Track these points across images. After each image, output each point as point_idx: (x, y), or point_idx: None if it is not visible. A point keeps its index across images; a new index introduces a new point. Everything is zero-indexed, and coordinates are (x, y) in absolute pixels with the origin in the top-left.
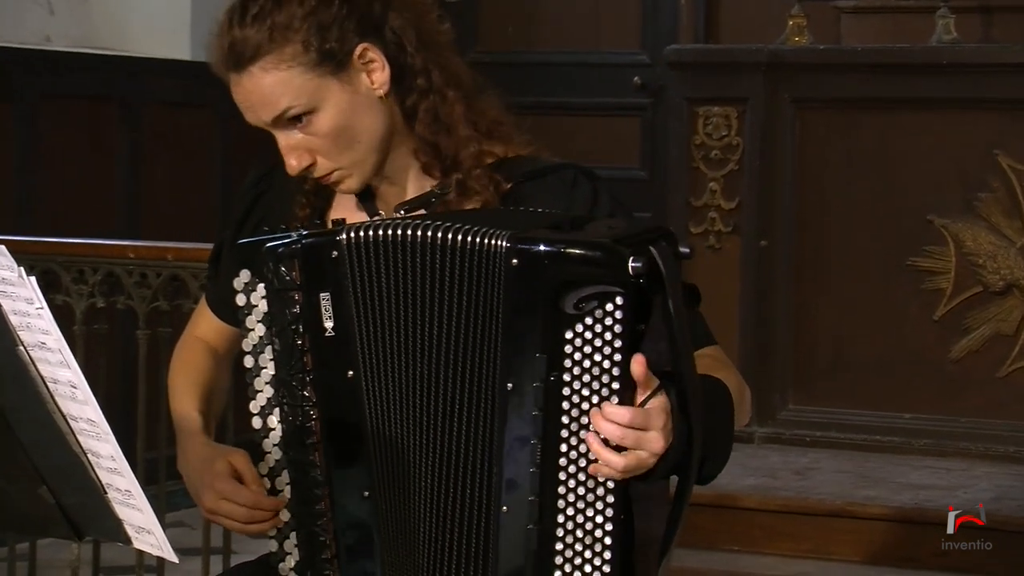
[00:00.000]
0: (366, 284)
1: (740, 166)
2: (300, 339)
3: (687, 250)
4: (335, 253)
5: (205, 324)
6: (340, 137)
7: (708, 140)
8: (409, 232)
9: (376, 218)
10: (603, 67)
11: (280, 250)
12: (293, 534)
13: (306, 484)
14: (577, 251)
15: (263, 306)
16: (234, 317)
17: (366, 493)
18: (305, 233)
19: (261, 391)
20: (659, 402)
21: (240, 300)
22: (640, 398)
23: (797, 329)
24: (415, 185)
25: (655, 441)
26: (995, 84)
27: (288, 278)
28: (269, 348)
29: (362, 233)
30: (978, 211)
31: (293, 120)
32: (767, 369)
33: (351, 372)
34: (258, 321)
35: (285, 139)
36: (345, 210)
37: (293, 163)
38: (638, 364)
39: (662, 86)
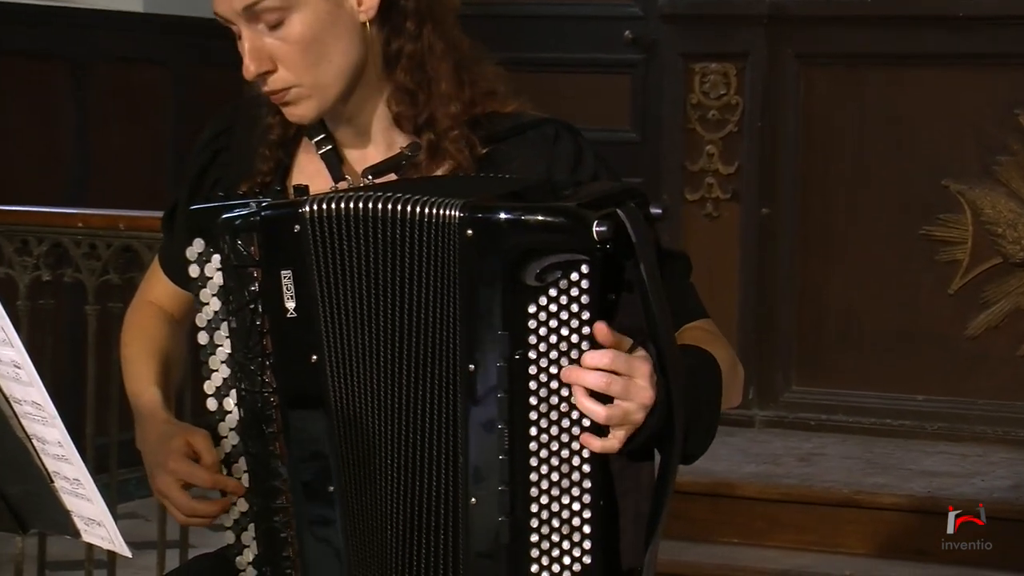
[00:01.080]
0: (330, 261)
1: (740, 128)
2: (259, 319)
3: (659, 210)
4: (297, 227)
5: (160, 288)
6: (309, 49)
7: (705, 99)
8: (371, 205)
9: (340, 187)
10: (591, 20)
11: (238, 223)
12: (252, 526)
13: (265, 476)
14: (536, 218)
15: (218, 279)
16: (187, 277)
17: (331, 488)
18: (265, 203)
19: (216, 371)
20: (640, 354)
21: (194, 271)
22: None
23: (802, 304)
24: (383, 139)
25: (643, 390)
26: (1015, 38)
27: (246, 253)
28: (225, 325)
29: (325, 206)
30: (997, 176)
31: (265, 17)
32: (769, 347)
33: (314, 356)
34: (213, 295)
35: (251, 39)
36: (309, 174)
37: (251, 67)
38: (600, 329)
39: (655, 41)
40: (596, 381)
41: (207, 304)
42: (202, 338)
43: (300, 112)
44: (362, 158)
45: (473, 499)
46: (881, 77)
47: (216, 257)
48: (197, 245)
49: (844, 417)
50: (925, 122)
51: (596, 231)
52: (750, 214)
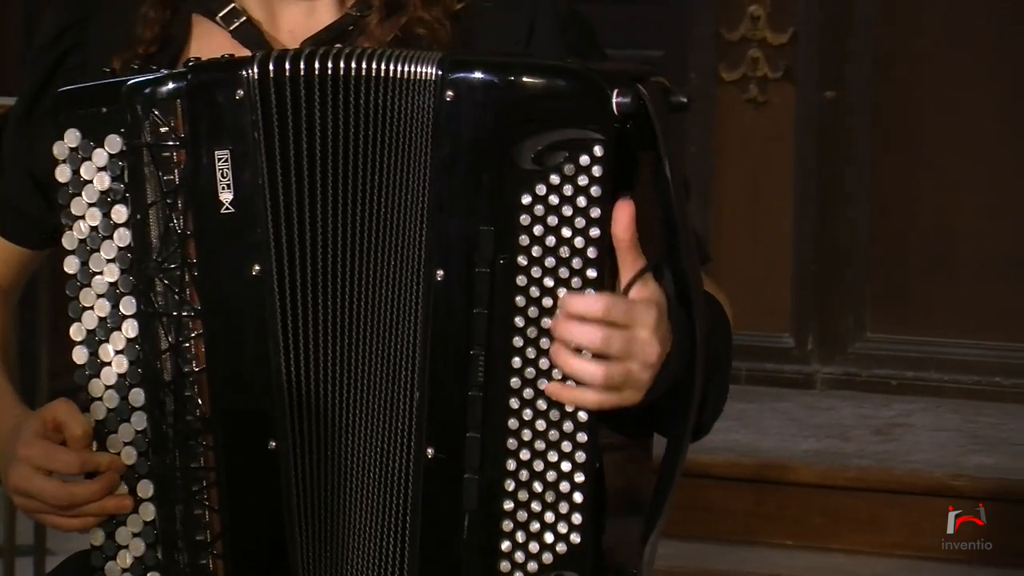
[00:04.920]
0: (278, 138)
1: None
2: (178, 218)
3: (683, 99)
4: (239, 93)
5: None
6: None
7: None
8: (330, 64)
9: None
10: None
11: (159, 88)
12: (137, 517)
13: (175, 436)
14: (538, 79)
15: (102, 181)
16: (23, 228)
17: (272, 443)
18: (190, 65)
19: (91, 307)
20: (648, 290)
21: (63, 173)
22: (623, 281)
23: (878, 221)
24: (322, 3)
25: (648, 345)
26: None
27: (166, 129)
28: (109, 244)
29: (274, 66)
30: None
31: None
32: (834, 280)
33: (256, 267)
34: (91, 204)
35: None
36: (216, 47)
37: None
38: (622, 223)
39: None
40: (589, 337)
41: (81, 218)
42: (71, 264)
43: None
44: (302, 28)
45: (430, 450)
46: None
47: (99, 152)
48: (71, 138)
49: (936, 374)
50: None
51: (616, 102)
52: (809, 100)
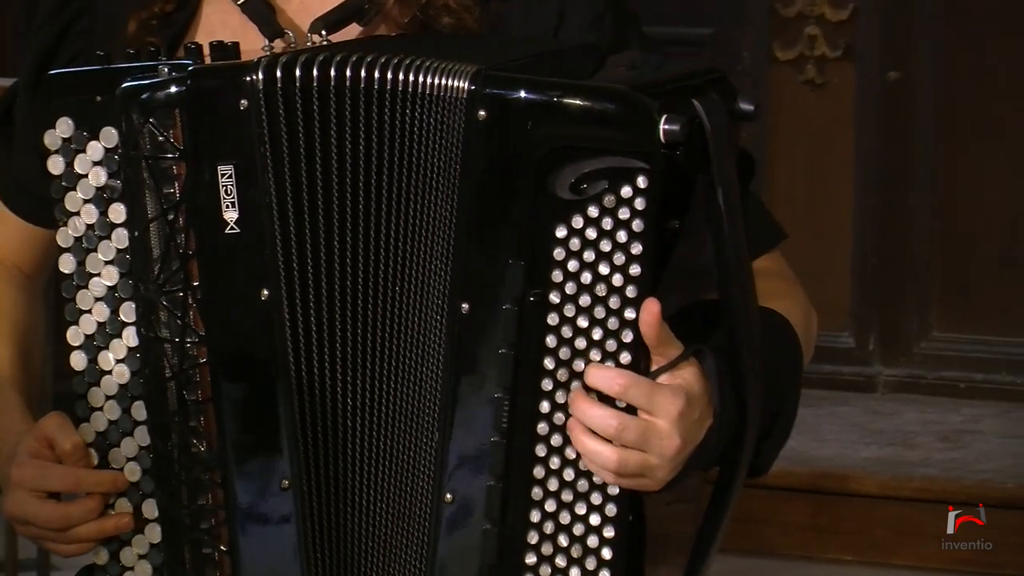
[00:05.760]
0: (288, 153)
1: None
2: (180, 236)
3: (750, 107)
4: (244, 103)
5: (1, 233)
6: None
7: None
8: (349, 72)
9: (277, 46)
10: None
11: (152, 95)
12: (142, 538)
13: (180, 467)
14: (579, 101)
15: (97, 176)
16: (37, 207)
17: (285, 483)
18: (187, 66)
19: (88, 311)
20: (679, 375)
21: (55, 165)
22: (657, 362)
23: (945, 212)
24: None
25: (666, 438)
26: None
27: (163, 139)
28: (106, 245)
29: (282, 72)
30: None
31: None
32: (898, 275)
33: (265, 291)
34: (87, 200)
35: None
36: (222, 36)
37: None
38: (649, 322)
39: None
40: (604, 422)
41: (76, 214)
42: (66, 263)
43: None
44: (303, 6)
45: (448, 495)
46: None
47: (94, 145)
48: (63, 127)
49: (1008, 377)
50: None
51: (664, 129)
52: (871, 80)
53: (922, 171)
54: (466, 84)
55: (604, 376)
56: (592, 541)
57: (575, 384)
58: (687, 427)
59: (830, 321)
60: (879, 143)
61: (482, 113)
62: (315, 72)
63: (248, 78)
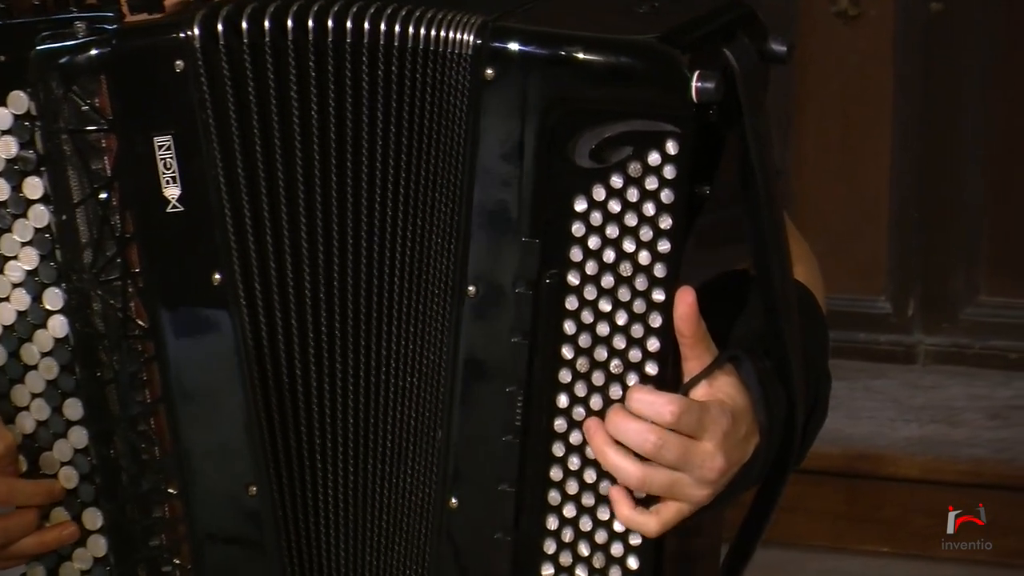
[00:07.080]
0: (236, 119)
1: None
2: (115, 218)
3: (783, 47)
4: (180, 64)
5: None
6: None
7: None
8: (312, 23)
9: None
10: None
11: (76, 58)
12: (87, 549)
13: (132, 475)
14: (598, 57)
15: (10, 145)
16: None
17: (253, 488)
18: (108, 17)
19: (6, 299)
20: (723, 389)
21: None
22: (686, 374)
23: (994, 160)
24: None
25: (709, 459)
26: None
27: (87, 107)
28: (21, 224)
29: (224, 26)
30: None
31: None
32: (942, 234)
33: (218, 275)
34: None
35: None
36: None
37: None
38: (684, 314)
39: None
40: (640, 438)
41: None
42: None
43: None
44: None
45: (454, 500)
46: None
47: (2, 112)
48: None
49: None
50: None
51: (696, 87)
52: (911, 11)
53: (971, 114)
54: (471, 37)
55: (653, 401)
56: (616, 549)
57: (604, 355)
58: (732, 446)
59: (865, 284)
60: (922, 82)
61: (489, 72)
62: (267, 24)
63: (183, 34)
